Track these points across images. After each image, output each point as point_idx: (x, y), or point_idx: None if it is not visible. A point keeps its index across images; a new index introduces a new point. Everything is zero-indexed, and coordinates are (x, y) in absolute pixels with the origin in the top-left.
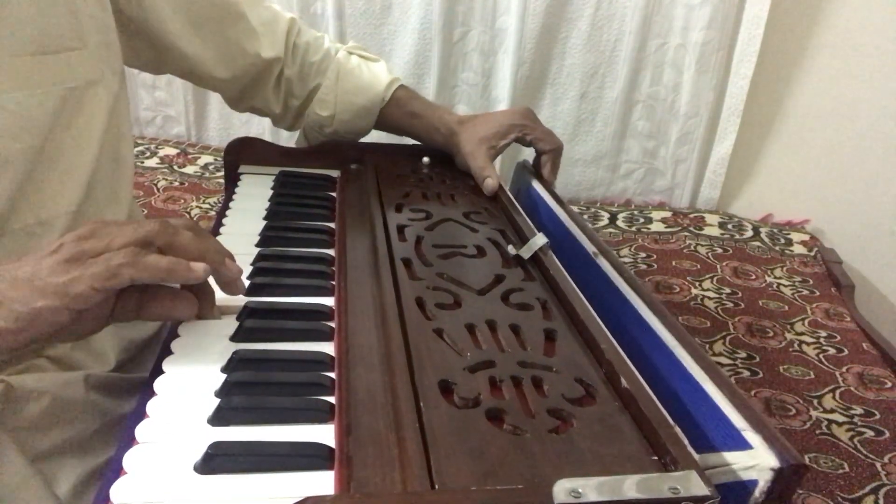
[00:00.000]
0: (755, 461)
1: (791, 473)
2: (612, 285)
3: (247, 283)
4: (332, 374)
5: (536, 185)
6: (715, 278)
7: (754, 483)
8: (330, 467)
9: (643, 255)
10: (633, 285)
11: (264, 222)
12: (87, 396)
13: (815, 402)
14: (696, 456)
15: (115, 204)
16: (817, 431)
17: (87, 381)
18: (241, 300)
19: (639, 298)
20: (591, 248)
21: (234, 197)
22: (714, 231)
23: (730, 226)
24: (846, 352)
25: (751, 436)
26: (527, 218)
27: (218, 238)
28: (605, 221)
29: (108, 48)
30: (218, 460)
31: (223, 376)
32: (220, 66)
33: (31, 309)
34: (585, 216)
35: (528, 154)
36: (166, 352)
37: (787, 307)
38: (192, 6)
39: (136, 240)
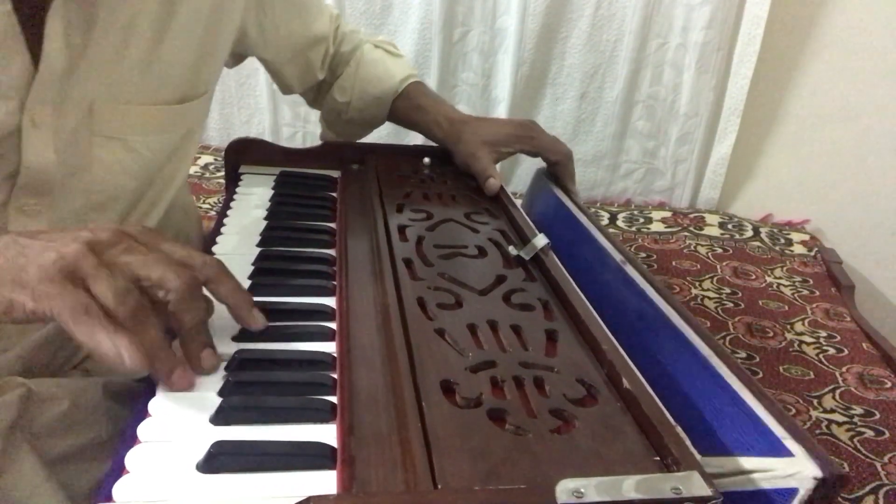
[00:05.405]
0: (796, 469)
1: (833, 484)
2: (641, 293)
3: (248, 283)
4: (334, 374)
5: (558, 193)
6: (715, 278)
7: (793, 491)
8: (332, 467)
9: (643, 255)
10: (663, 294)
11: (265, 222)
12: (103, 403)
13: (815, 402)
14: (698, 456)
15: (187, 223)
16: (817, 431)
17: (105, 388)
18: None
19: (670, 307)
20: (617, 256)
21: (234, 197)
22: (714, 231)
23: (730, 226)
24: (846, 352)
25: (792, 444)
26: (528, 219)
27: (219, 237)
28: (605, 221)
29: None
30: (220, 459)
31: (225, 376)
32: (295, 81)
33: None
34: None
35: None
36: None
37: (787, 307)
38: (292, 41)
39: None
